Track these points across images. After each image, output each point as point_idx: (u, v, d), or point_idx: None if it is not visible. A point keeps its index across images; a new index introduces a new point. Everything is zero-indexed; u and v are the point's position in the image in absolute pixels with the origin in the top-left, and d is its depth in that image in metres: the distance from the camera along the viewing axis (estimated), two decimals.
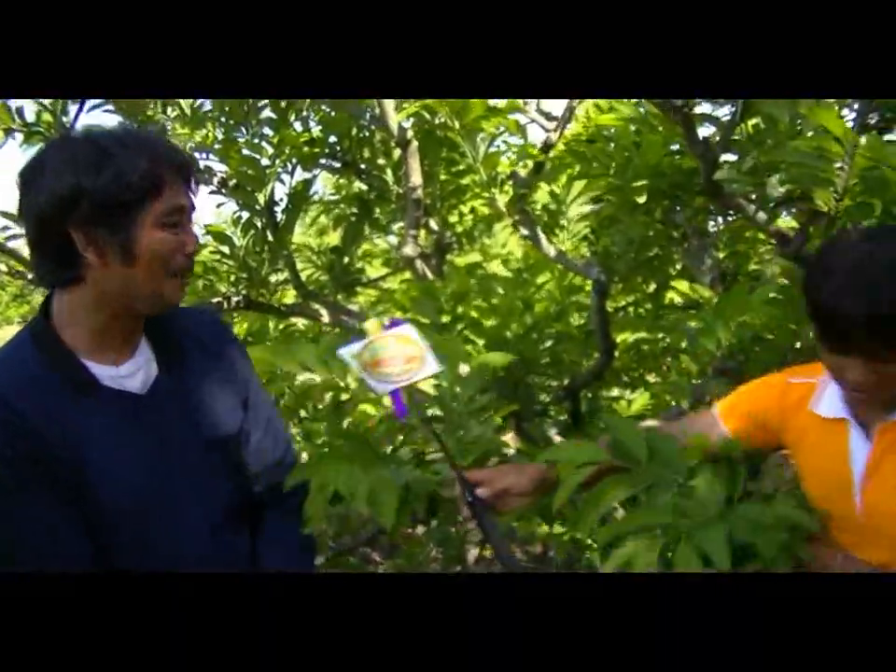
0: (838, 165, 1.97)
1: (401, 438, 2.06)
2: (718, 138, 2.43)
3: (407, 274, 5.16)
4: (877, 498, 1.55)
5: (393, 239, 4.94)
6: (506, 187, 3.02)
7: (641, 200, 2.53)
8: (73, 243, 1.40)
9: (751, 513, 1.55)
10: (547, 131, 3.51)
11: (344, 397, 2.15)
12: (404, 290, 3.04)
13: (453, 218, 3.99)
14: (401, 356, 1.53)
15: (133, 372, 1.53)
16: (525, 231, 3.01)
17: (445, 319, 2.85)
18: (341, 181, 3.90)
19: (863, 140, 1.93)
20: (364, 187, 3.64)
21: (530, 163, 3.07)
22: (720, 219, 3.74)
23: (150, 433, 1.52)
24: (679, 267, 3.99)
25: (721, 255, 3.98)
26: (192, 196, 1.51)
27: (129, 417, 1.51)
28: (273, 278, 3.38)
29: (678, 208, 3.08)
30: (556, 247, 3.03)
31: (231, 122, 3.21)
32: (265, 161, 3.09)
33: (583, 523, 1.54)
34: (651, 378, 3.90)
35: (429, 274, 3.33)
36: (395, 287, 5.18)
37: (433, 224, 3.68)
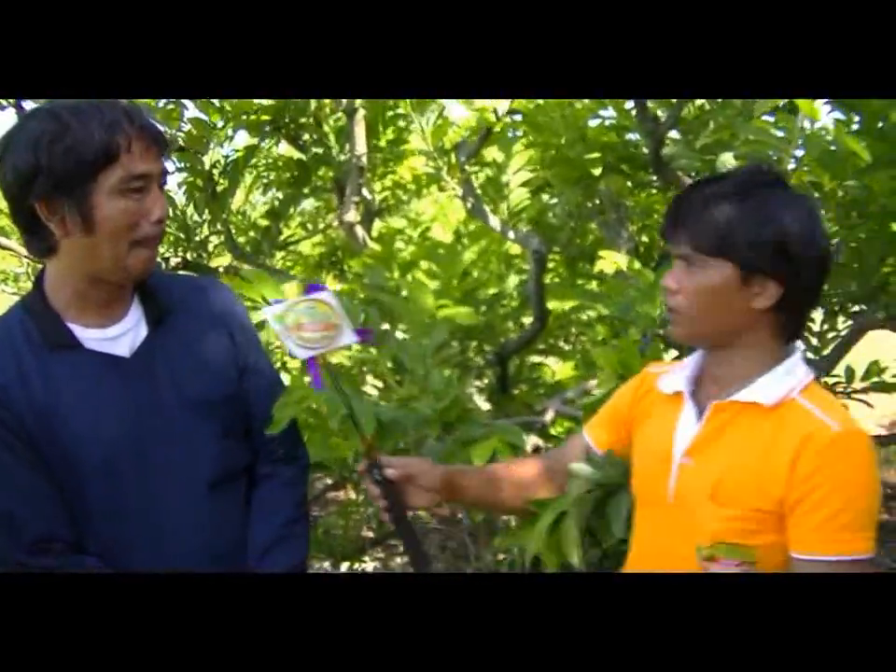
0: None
1: None
2: (666, 116, 2.57)
3: (319, 238, 5.21)
4: (690, 485, 1.41)
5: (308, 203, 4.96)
6: (451, 158, 3.10)
7: (596, 172, 2.65)
8: (38, 215, 1.45)
9: None
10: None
11: None
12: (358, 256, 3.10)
13: (379, 187, 4.07)
14: (320, 322, 1.48)
15: (119, 335, 1.56)
16: (469, 202, 3.10)
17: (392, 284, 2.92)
18: (272, 148, 3.91)
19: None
20: (299, 154, 3.67)
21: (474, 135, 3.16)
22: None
23: (132, 395, 1.54)
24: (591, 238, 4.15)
25: (634, 228, 4.16)
26: (161, 161, 1.50)
27: (110, 379, 1.53)
28: (212, 240, 3.39)
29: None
30: (499, 217, 3.14)
31: None
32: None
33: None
34: (567, 347, 4.04)
35: (368, 240, 3.40)
36: (309, 253, 5.23)
37: (364, 192, 3.75)
